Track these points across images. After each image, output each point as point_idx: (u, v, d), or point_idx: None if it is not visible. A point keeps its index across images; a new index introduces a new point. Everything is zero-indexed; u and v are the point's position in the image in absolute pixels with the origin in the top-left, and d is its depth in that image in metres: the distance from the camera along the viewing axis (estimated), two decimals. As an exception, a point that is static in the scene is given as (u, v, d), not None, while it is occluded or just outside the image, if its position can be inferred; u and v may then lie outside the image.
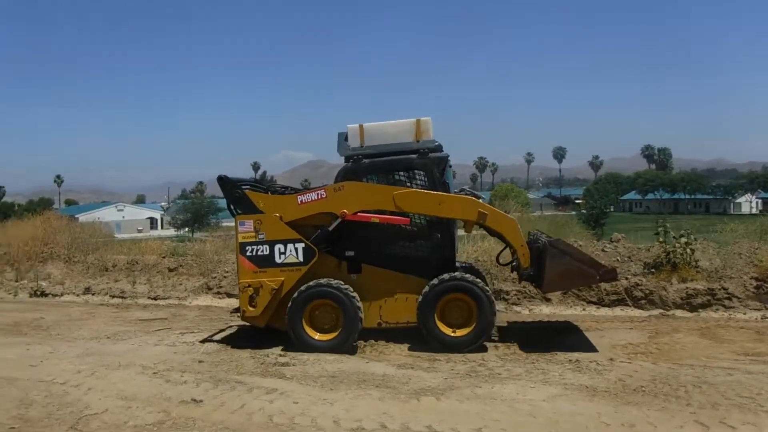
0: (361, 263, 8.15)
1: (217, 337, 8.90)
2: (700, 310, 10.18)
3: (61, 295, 13.76)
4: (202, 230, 64.41)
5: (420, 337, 7.80)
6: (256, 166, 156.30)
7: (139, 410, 5.75)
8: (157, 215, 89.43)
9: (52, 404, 5.95)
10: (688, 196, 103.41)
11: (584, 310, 10.79)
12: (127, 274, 14.47)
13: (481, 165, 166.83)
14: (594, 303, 10.90)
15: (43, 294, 13.75)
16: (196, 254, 15.47)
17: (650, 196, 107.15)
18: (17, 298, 13.78)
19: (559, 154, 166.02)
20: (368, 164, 8.12)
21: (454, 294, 7.69)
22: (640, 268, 11.51)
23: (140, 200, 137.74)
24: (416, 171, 8.14)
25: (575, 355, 7.38)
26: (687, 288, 10.57)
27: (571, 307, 10.94)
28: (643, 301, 10.69)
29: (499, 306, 11.18)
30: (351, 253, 8.16)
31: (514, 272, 9.12)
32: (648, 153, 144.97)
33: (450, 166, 8.38)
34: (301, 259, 7.97)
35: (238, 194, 8.26)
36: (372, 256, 8.15)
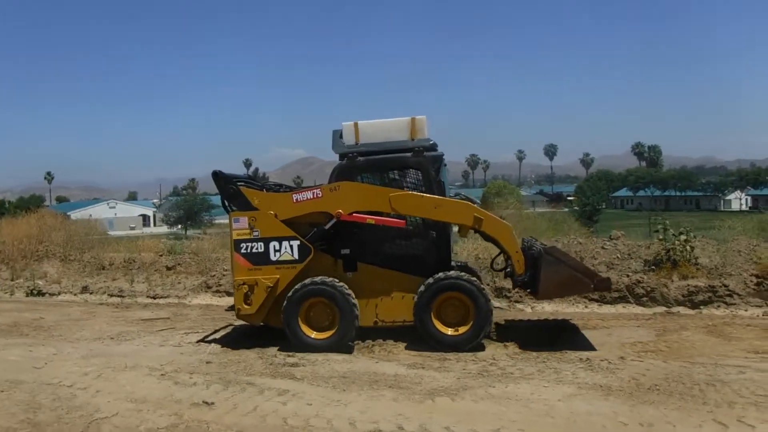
0: (356, 261, 8.10)
1: (217, 336, 8.83)
2: (702, 307, 10.21)
3: (58, 294, 13.62)
4: (194, 227, 64.21)
5: (418, 337, 7.74)
6: (248, 163, 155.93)
7: (150, 413, 5.66)
8: (149, 212, 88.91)
9: (61, 408, 5.84)
10: (678, 193, 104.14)
11: (586, 307, 10.79)
12: (124, 273, 14.34)
13: (473, 162, 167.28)
14: (596, 300, 10.90)
15: (40, 293, 13.59)
16: (194, 252, 15.35)
17: (641, 193, 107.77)
18: (13, 297, 13.63)
19: (551, 152, 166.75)
20: (363, 162, 8.09)
21: (450, 293, 7.65)
22: (640, 265, 11.54)
23: (132, 197, 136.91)
24: (411, 170, 8.12)
25: (585, 353, 7.36)
26: (688, 285, 10.60)
27: (573, 304, 10.93)
28: (644, 299, 10.72)
29: (502, 304, 11.19)
30: (347, 251, 8.11)
31: (508, 278, 9.14)
32: (638, 150, 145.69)
33: (445, 165, 8.36)
34: (296, 256, 7.91)
35: (233, 190, 8.18)
36: (368, 255, 8.11)
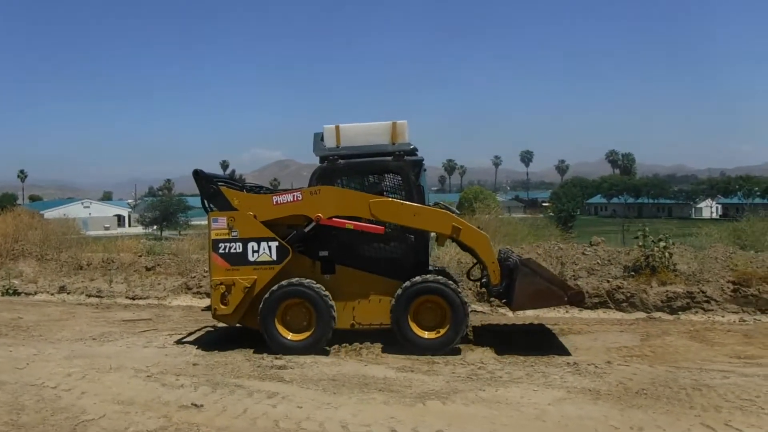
0: (334, 264, 8.11)
1: (199, 337, 8.73)
2: (680, 312, 10.41)
3: (35, 294, 13.33)
4: (170, 228, 63.34)
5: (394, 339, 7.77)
6: (224, 165, 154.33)
7: (138, 415, 5.55)
8: (124, 213, 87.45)
9: (45, 409, 5.70)
10: (651, 201, 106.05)
11: (567, 312, 10.91)
12: (102, 273, 14.09)
13: (450, 167, 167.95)
14: (582, 306, 11.01)
15: (16, 293, 13.30)
16: (174, 253, 15.17)
17: (615, 200, 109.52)
18: (-12, 296, 13.26)
19: (527, 158, 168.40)
20: (344, 165, 8.11)
21: (427, 296, 7.70)
22: (620, 271, 11.73)
23: (107, 197, 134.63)
24: (391, 174, 8.18)
25: (572, 358, 7.44)
26: (667, 291, 10.80)
27: (554, 309, 11.00)
28: (624, 304, 10.89)
29: (485, 308, 11.27)
30: (325, 254, 8.11)
31: (483, 288, 9.20)
32: (612, 158, 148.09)
33: (425, 170, 8.42)
34: (274, 257, 7.89)
35: (213, 190, 8.14)
36: (346, 257, 8.12)
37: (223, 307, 7.87)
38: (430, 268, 8.44)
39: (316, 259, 8.12)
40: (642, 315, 10.45)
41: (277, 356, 7.55)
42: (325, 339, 7.72)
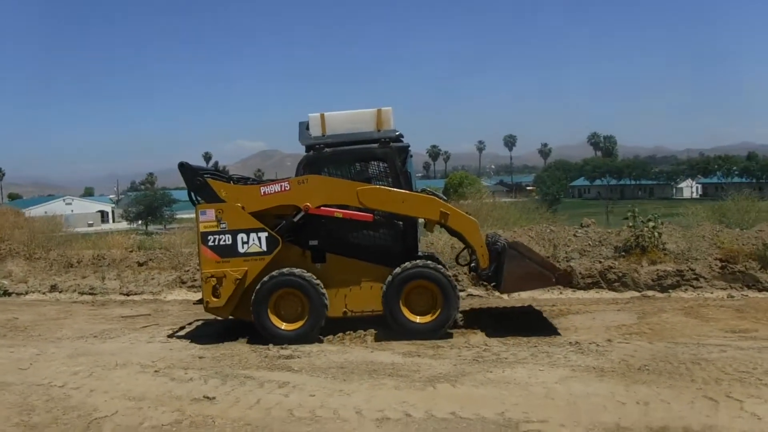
0: (325, 252, 8.16)
1: (193, 332, 8.75)
2: (671, 290, 10.62)
3: (26, 293, 13.16)
4: (155, 223, 62.76)
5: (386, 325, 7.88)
6: (207, 156, 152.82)
7: (152, 410, 5.57)
8: (107, 208, 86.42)
9: (56, 408, 5.69)
10: (633, 182, 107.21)
11: (561, 293, 11.07)
12: (94, 270, 13.94)
13: (434, 153, 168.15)
14: (570, 286, 11.19)
15: (6, 293, 13.11)
16: (165, 247, 15.08)
17: (597, 182, 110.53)
18: (-22, 298, 13.08)
19: (510, 142, 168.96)
20: (330, 153, 8.13)
21: (418, 281, 7.80)
22: (611, 251, 11.91)
23: (88, 193, 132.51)
24: (378, 161, 8.21)
25: (573, 336, 7.59)
26: (657, 270, 11.00)
27: (548, 291, 11.15)
28: (616, 284, 11.08)
29: (481, 291, 11.39)
30: (315, 243, 8.16)
31: (472, 272, 9.31)
32: (594, 140, 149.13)
33: (411, 156, 8.47)
34: (264, 248, 7.92)
35: (200, 182, 8.12)
36: (335, 246, 8.18)
37: (214, 299, 7.90)
38: (419, 253, 8.52)
39: (306, 248, 8.17)
40: (634, 294, 10.65)
41: (283, 346, 7.59)
42: (318, 327, 7.81)
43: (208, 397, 5.81)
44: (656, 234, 11.51)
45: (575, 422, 4.96)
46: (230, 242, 7.90)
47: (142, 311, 10.74)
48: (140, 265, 13.92)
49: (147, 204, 67.32)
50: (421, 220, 8.37)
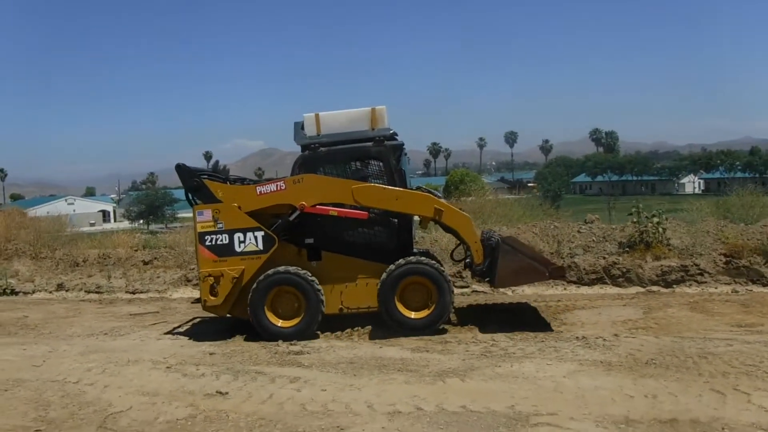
0: (320, 250, 8.26)
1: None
2: (675, 286, 10.67)
3: (33, 292, 13.25)
4: (157, 222, 62.86)
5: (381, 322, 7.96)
6: (207, 156, 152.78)
7: (166, 405, 5.65)
8: (109, 208, 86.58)
9: (72, 404, 5.77)
10: (635, 178, 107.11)
11: (565, 289, 11.14)
12: (100, 269, 14.06)
13: (435, 150, 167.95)
14: (574, 282, 11.27)
15: (14, 292, 13.19)
16: (170, 246, 15.18)
17: (599, 178, 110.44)
18: (-15, 297, 13.17)
19: (511, 139, 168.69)
20: (325, 153, 8.21)
21: (413, 278, 7.88)
22: (615, 247, 11.97)
23: (90, 193, 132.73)
24: (373, 159, 8.29)
25: (580, 331, 7.66)
26: (661, 265, 11.05)
27: (552, 287, 11.25)
28: (621, 279, 11.13)
29: (483, 287, 11.44)
30: (310, 241, 8.26)
31: (466, 268, 9.37)
32: (596, 136, 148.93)
33: (405, 154, 8.55)
34: (261, 247, 8.01)
35: (197, 183, 8.22)
36: (331, 243, 8.27)
37: (212, 298, 8.01)
38: (414, 250, 8.60)
39: (302, 246, 8.27)
40: (639, 289, 10.69)
41: (292, 342, 7.67)
42: (315, 324, 7.91)
43: (221, 393, 5.89)
44: (660, 229, 11.56)
45: (584, 415, 5.03)
46: (227, 242, 8.01)
47: (149, 309, 10.84)
48: (146, 263, 14.04)
49: (148, 203, 67.46)
50: (416, 217, 8.43)
